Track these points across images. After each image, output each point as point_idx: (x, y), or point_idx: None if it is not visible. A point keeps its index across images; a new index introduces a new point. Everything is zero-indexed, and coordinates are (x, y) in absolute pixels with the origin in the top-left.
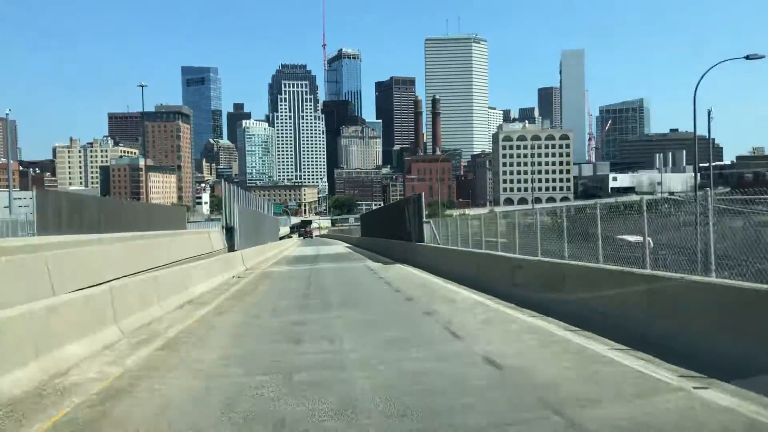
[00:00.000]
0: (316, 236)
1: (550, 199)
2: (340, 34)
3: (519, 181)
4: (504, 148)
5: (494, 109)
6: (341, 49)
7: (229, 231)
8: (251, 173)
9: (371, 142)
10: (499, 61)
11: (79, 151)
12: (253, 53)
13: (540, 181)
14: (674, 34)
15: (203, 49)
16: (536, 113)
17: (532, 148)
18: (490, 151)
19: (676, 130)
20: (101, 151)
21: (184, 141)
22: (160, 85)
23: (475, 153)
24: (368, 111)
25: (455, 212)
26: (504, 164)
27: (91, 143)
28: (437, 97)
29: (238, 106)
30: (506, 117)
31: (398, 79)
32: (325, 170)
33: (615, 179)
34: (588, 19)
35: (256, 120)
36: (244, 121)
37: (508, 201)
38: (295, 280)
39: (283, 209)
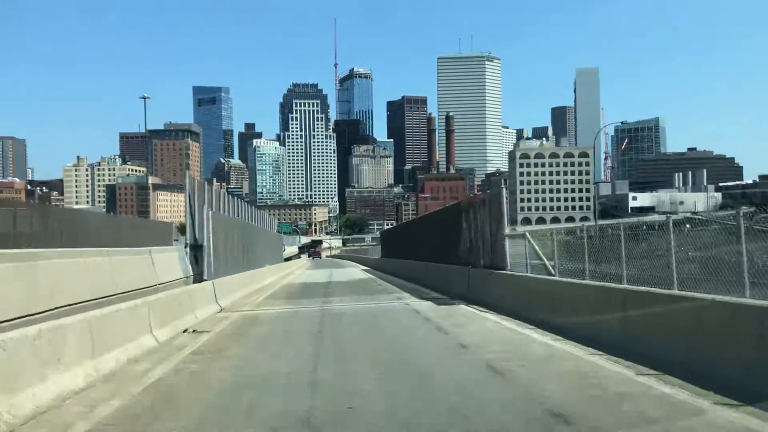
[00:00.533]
0: (327, 257)
1: (570, 219)
2: (351, 54)
3: (537, 200)
4: (521, 165)
5: (507, 128)
6: (353, 69)
7: (196, 250)
8: (262, 192)
9: (383, 161)
10: (512, 79)
11: (87, 170)
12: (264, 73)
13: (558, 200)
14: (688, 52)
15: (215, 69)
16: (550, 132)
17: (550, 165)
18: (505, 169)
19: (694, 149)
20: (109, 169)
21: (193, 159)
22: (171, 105)
23: (489, 172)
24: (379, 130)
25: None
26: (521, 182)
27: (99, 162)
28: (451, 114)
29: (249, 126)
30: (519, 136)
31: (410, 98)
32: (336, 189)
33: (635, 198)
34: (601, 38)
35: (267, 139)
36: (254, 140)
37: (526, 221)
38: (294, 338)
39: (293, 228)
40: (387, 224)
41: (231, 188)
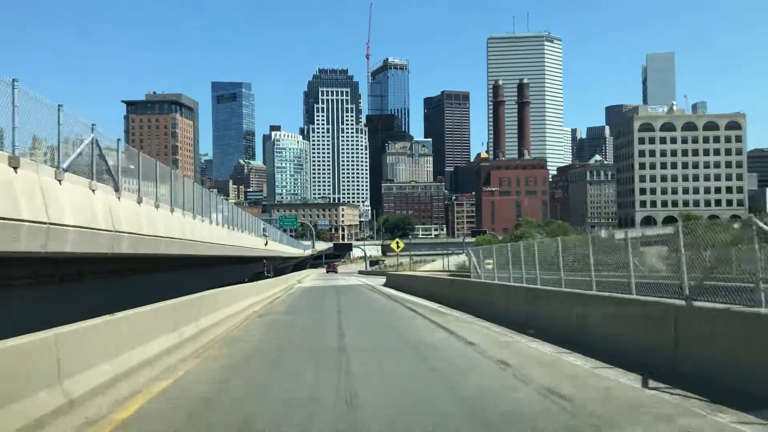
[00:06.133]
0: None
1: (712, 219)
2: (385, 42)
3: (665, 191)
4: (641, 141)
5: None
6: (387, 59)
7: None
8: (281, 194)
9: (422, 159)
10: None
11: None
12: (290, 68)
13: (696, 190)
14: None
15: (235, 62)
16: (607, 132)
17: (684, 141)
18: (572, 163)
19: None
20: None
21: (183, 140)
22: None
23: (562, 166)
24: (416, 128)
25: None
26: (641, 166)
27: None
28: (525, 81)
29: (275, 128)
30: (573, 137)
31: (450, 94)
32: (368, 191)
33: None
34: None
35: (288, 132)
36: (273, 133)
37: (647, 221)
38: None
39: (300, 224)
40: (435, 228)
41: (250, 192)
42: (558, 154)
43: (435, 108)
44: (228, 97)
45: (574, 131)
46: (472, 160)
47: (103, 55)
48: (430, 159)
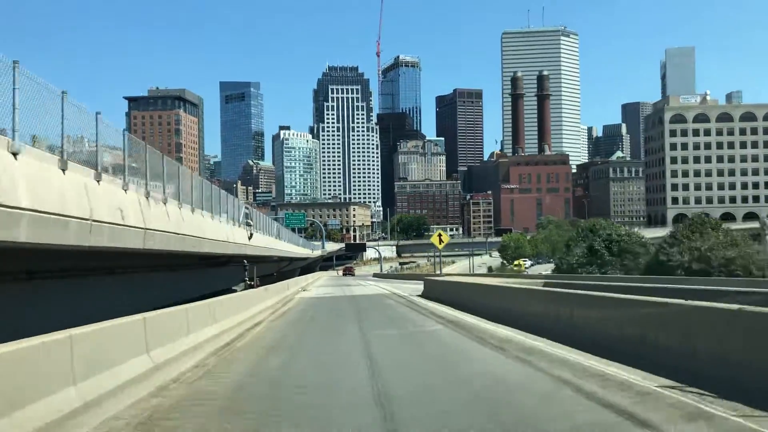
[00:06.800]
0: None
1: (749, 217)
2: (396, 39)
3: (698, 187)
4: (672, 134)
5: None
6: (398, 57)
7: None
8: (290, 194)
9: (434, 158)
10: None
11: None
12: (298, 63)
13: (732, 186)
14: None
15: (243, 62)
16: (624, 130)
17: (719, 133)
18: (593, 160)
19: None
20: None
21: (188, 137)
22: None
23: (581, 163)
24: (428, 127)
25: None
26: (673, 160)
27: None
28: (545, 73)
29: (284, 128)
30: (590, 135)
31: (462, 92)
32: (380, 192)
33: None
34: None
35: (297, 131)
36: (282, 132)
37: (679, 218)
38: None
39: (309, 223)
40: (451, 229)
41: (259, 193)
42: (575, 153)
43: (447, 106)
44: (236, 96)
45: (590, 129)
46: (485, 159)
47: (109, 55)
48: (443, 158)
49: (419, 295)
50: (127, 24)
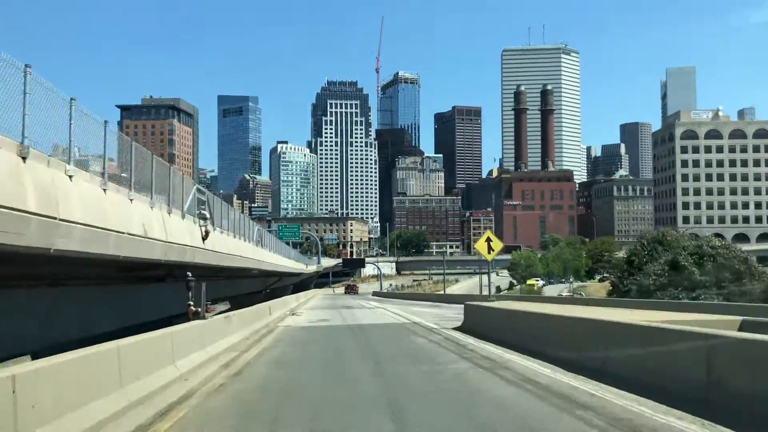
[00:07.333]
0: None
1: (764, 237)
2: (396, 55)
3: (710, 206)
4: (684, 150)
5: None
6: (397, 73)
7: None
8: (287, 209)
9: (433, 175)
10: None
11: None
12: (296, 78)
13: (746, 206)
14: None
15: (242, 76)
16: (623, 150)
17: (731, 150)
18: (596, 178)
19: None
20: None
21: (181, 147)
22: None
23: (582, 182)
24: (426, 144)
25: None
26: (684, 177)
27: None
28: (549, 87)
29: (282, 143)
30: (588, 154)
31: (461, 109)
32: (378, 208)
33: None
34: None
35: (295, 145)
36: (279, 146)
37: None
38: None
39: (305, 237)
40: (451, 246)
41: (255, 207)
42: (575, 172)
43: (446, 124)
44: (234, 111)
45: (588, 149)
46: (483, 177)
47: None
48: (442, 175)
49: (457, 328)
50: (126, 37)
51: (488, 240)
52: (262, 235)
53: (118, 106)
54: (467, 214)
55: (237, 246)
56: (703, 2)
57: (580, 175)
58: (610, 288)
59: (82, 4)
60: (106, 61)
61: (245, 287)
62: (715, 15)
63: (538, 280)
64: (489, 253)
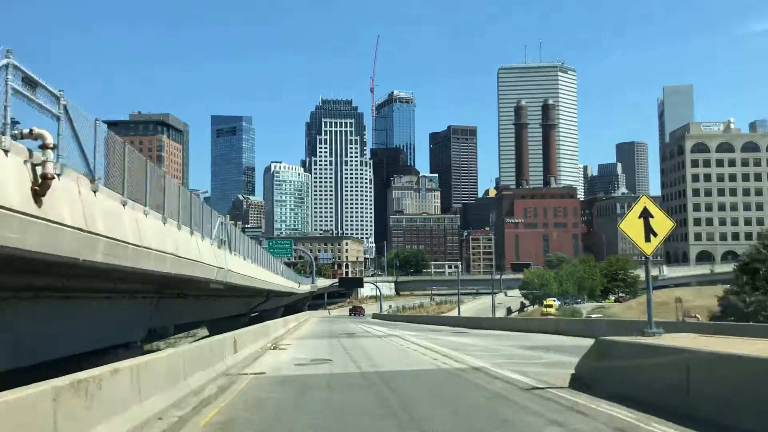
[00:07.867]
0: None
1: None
2: (390, 75)
3: (723, 222)
4: (694, 164)
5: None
6: (392, 93)
7: None
8: (280, 228)
9: (428, 194)
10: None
11: None
12: (291, 97)
13: (761, 221)
14: None
15: (235, 96)
16: (620, 169)
17: (744, 164)
18: (597, 196)
19: None
20: None
21: (171, 164)
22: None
23: (587, 198)
24: (421, 164)
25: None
26: (695, 192)
27: None
28: (551, 102)
29: (276, 162)
30: (585, 173)
31: (457, 129)
32: (373, 227)
33: None
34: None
35: (289, 164)
36: (273, 165)
37: (704, 256)
38: None
39: (298, 256)
40: (450, 266)
41: (248, 228)
42: (576, 180)
43: (441, 143)
44: (228, 131)
45: (585, 168)
46: (479, 196)
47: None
48: (438, 194)
49: (584, 385)
50: (118, 57)
51: (645, 214)
52: (230, 233)
53: (104, 121)
54: (465, 233)
55: (178, 243)
56: (698, 18)
57: (578, 194)
58: (719, 307)
59: (75, 20)
60: (96, 78)
61: (224, 310)
62: (714, 30)
63: (555, 300)
64: (649, 239)
